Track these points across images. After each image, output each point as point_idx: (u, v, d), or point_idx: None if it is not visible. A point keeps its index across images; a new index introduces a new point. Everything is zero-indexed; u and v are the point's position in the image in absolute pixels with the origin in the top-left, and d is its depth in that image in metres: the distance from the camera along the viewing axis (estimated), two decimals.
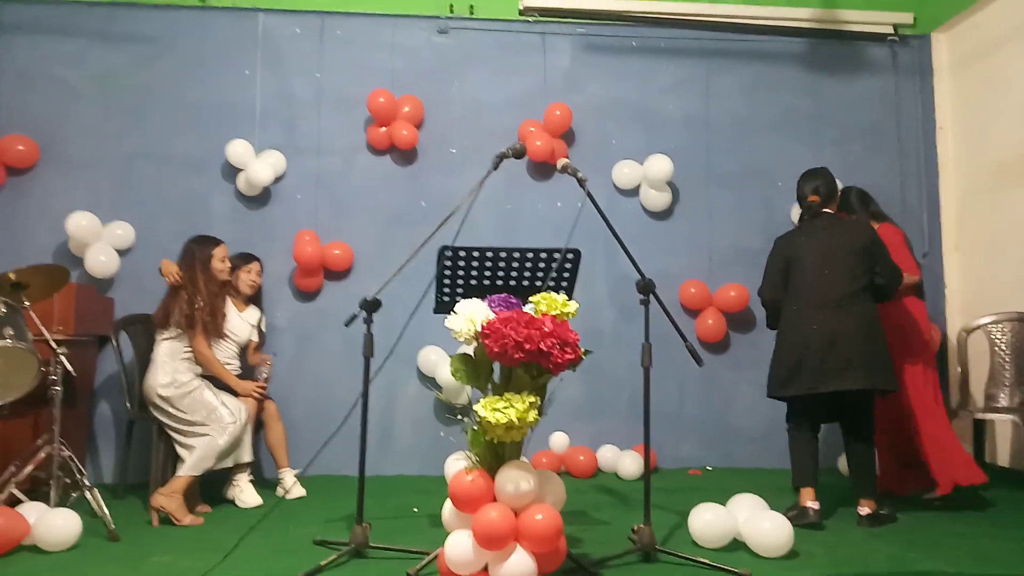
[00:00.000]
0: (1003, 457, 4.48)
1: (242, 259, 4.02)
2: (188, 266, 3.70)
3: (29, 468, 3.15)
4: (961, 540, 3.03)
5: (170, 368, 3.55)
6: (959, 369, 4.19)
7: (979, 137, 4.80)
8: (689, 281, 4.73)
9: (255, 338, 4.08)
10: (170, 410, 3.50)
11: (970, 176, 4.87)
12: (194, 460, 3.39)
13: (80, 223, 4.25)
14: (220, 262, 3.77)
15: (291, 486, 3.84)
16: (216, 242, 3.80)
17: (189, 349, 3.63)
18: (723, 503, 2.98)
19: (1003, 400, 3.88)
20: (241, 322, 3.96)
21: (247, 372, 4.05)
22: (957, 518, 3.40)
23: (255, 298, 4.14)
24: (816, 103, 5.04)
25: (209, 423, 3.46)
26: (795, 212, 4.87)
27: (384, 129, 4.68)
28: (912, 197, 5.05)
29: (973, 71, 4.85)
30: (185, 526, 3.25)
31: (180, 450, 3.49)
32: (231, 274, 3.90)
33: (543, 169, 4.81)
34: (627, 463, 4.35)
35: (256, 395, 3.76)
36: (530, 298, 2.58)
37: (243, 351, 4.03)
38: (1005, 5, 4.57)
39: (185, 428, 3.49)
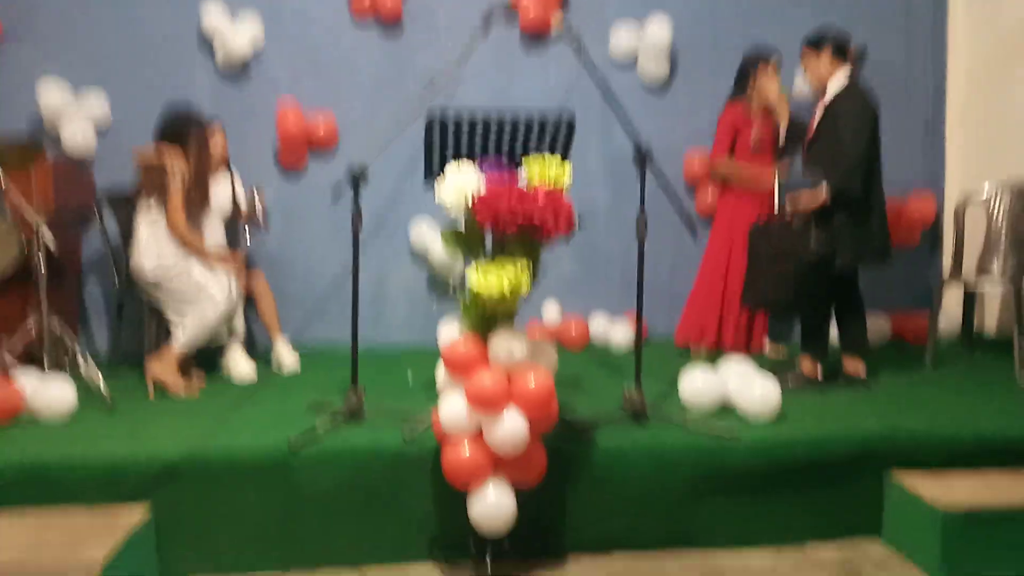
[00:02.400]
0: (991, 328, 4.54)
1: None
2: (180, 140, 3.54)
3: (19, 342, 3.15)
4: (944, 402, 3.12)
5: (155, 249, 3.48)
6: (953, 239, 4.16)
7: (994, 2, 4.56)
8: (695, 149, 4.60)
9: (242, 206, 3.95)
10: (159, 291, 3.48)
11: (983, 44, 4.66)
12: (187, 336, 3.39)
13: (51, 91, 4.07)
14: (215, 138, 3.66)
15: (284, 355, 3.88)
16: (208, 121, 3.69)
17: None
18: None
19: (995, 270, 3.87)
20: (221, 193, 3.85)
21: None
22: (944, 383, 3.48)
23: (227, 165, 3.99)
24: None
25: (199, 300, 3.44)
26: (799, 83, 4.69)
27: None
28: (917, 67, 4.85)
29: None
30: (180, 397, 3.29)
31: (172, 326, 3.48)
32: None
33: (535, 40, 4.58)
34: (618, 334, 4.40)
35: (233, 267, 3.63)
36: (522, 159, 2.50)
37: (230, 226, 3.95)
38: None
39: (176, 305, 3.47)
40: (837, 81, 3.35)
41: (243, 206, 3.94)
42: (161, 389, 3.32)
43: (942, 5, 4.86)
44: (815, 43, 3.42)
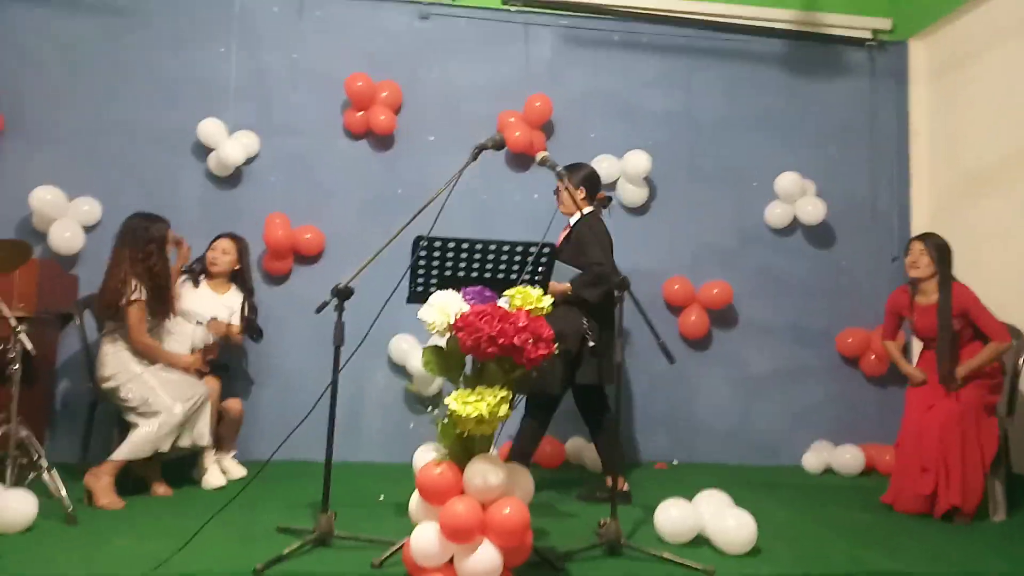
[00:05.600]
0: None
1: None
2: (123, 245, 3.55)
3: None
4: (916, 541, 3.10)
5: (115, 361, 3.48)
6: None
7: (953, 144, 4.87)
8: (674, 277, 4.75)
9: (235, 320, 3.98)
10: (116, 399, 3.47)
11: (943, 183, 4.95)
12: (127, 445, 3.33)
13: (45, 197, 4.14)
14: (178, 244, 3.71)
15: (231, 467, 3.87)
16: (157, 220, 3.63)
17: None
18: (689, 498, 3.00)
19: None
20: (205, 302, 3.88)
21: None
22: (915, 520, 3.46)
23: (236, 279, 4.03)
24: (793, 104, 5.08)
25: (150, 408, 3.38)
26: (769, 212, 4.92)
27: (361, 113, 4.62)
28: (883, 202, 5.13)
29: (949, 78, 4.92)
30: (105, 509, 3.19)
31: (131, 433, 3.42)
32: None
33: (521, 160, 4.78)
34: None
35: (198, 367, 3.67)
36: (505, 292, 2.57)
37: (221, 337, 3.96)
38: (983, 14, 4.64)
39: (133, 413, 3.43)
40: (582, 212, 3.72)
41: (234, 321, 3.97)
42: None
43: (904, 143, 5.16)
44: (577, 178, 3.74)
